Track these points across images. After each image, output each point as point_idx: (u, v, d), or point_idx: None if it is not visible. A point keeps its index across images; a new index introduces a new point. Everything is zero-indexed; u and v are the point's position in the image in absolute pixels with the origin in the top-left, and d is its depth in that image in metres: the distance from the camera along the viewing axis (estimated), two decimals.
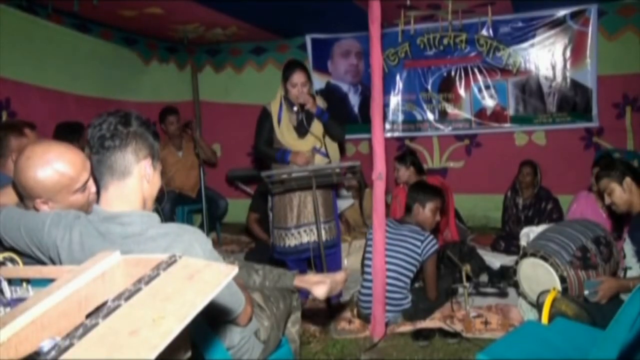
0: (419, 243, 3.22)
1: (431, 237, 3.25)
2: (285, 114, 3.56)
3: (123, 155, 1.51)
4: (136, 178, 1.54)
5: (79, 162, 1.70)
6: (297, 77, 3.43)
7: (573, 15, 5.01)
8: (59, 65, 4.50)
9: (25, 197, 1.71)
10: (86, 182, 1.72)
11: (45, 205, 1.69)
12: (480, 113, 5.50)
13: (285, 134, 3.53)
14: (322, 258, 3.31)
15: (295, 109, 3.55)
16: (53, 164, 1.64)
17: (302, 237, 3.56)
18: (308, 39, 5.77)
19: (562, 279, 2.73)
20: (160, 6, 4.22)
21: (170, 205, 4.90)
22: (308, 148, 3.55)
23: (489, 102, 5.46)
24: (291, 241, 3.56)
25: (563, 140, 5.26)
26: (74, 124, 3.90)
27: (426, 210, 3.36)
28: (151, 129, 1.59)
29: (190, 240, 1.49)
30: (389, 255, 3.16)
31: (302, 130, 3.56)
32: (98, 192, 1.60)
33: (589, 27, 4.98)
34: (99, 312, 0.81)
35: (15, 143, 2.39)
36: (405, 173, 4.41)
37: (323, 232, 3.45)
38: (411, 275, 3.27)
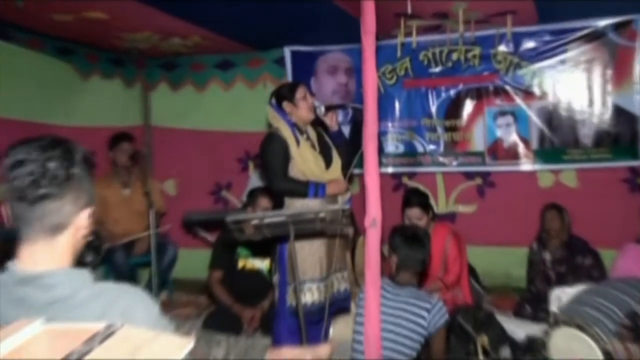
0: (425, 313, 3.15)
1: (440, 304, 3.18)
2: (302, 139, 3.62)
3: (61, 206, 1.46)
4: (71, 232, 1.50)
5: None
6: (303, 90, 3.70)
7: (616, 27, 5.04)
8: None
9: None
10: None
11: None
12: (496, 146, 5.54)
13: (311, 164, 3.58)
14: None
15: (304, 136, 3.64)
16: None
17: (334, 286, 3.71)
18: (287, 51, 5.83)
19: (607, 354, 2.72)
20: (103, 9, 4.24)
21: (123, 256, 4.87)
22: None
23: (507, 133, 5.50)
24: (315, 296, 3.60)
25: (600, 181, 5.24)
26: None
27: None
28: (92, 166, 1.55)
29: (130, 303, 1.46)
30: (385, 328, 3.07)
31: (327, 157, 3.69)
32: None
33: (635, 42, 5.00)
34: None
35: None
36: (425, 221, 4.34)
37: (342, 282, 3.79)
38: (414, 354, 3.19)
